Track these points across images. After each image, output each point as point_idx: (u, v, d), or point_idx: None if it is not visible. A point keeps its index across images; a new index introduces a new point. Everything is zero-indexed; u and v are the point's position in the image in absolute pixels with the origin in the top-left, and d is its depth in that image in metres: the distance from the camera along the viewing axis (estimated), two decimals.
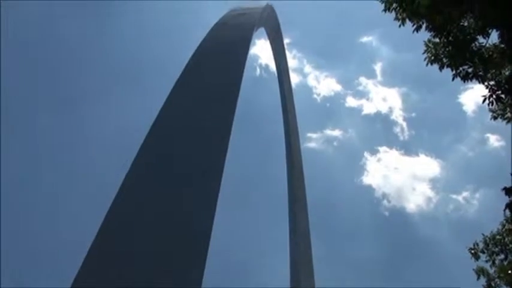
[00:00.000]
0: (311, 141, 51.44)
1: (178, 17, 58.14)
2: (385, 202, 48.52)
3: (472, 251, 13.13)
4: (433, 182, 50.75)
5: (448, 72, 11.63)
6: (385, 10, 11.68)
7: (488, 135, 52.58)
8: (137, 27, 53.08)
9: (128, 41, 51.85)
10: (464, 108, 59.25)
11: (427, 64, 11.78)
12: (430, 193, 49.71)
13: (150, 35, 53.27)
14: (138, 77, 51.62)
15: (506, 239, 13.00)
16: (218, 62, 14.89)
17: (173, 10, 57.52)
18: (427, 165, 52.07)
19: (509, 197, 8.34)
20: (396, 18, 11.61)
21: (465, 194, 49.81)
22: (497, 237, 13.08)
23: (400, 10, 11.39)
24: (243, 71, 14.16)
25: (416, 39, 11.65)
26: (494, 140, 54.63)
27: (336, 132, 56.66)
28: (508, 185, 8.48)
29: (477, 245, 13.20)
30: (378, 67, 60.56)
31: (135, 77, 51.42)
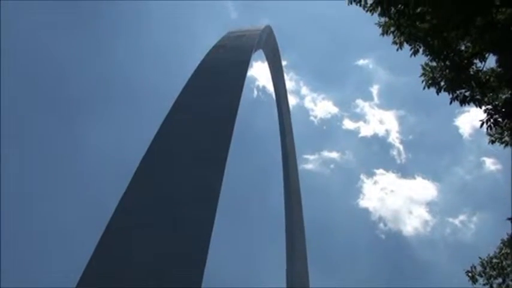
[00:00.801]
0: (308, 162, 51.40)
1: (177, 39, 58.60)
2: (381, 225, 48.22)
3: (470, 274, 13.04)
4: (430, 205, 50.62)
5: (444, 95, 11.64)
6: (382, 34, 11.73)
7: (484, 158, 52.70)
8: (135, 48, 53.48)
9: (126, 62, 52.23)
10: (461, 131, 59.47)
11: (424, 87, 11.78)
12: (427, 216, 49.51)
13: (148, 56, 53.64)
14: (137, 98, 51.78)
15: (504, 263, 12.91)
16: (216, 83, 14.93)
17: (172, 31, 58.04)
18: (424, 188, 52.00)
19: None
20: (394, 42, 11.66)
21: (462, 217, 49.65)
22: (495, 260, 13.01)
23: (398, 34, 11.44)
24: (241, 93, 14.20)
25: (412, 62, 11.70)
26: (490, 164, 54.73)
27: (334, 154, 56.70)
28: (505, 209, 8.45)
29: (474, 268, 13.12)
30: (374, 90, 60.99)
31: (133, 98, 51.57)
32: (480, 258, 13.32)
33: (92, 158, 43.69)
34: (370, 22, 12.00)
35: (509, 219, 8.50)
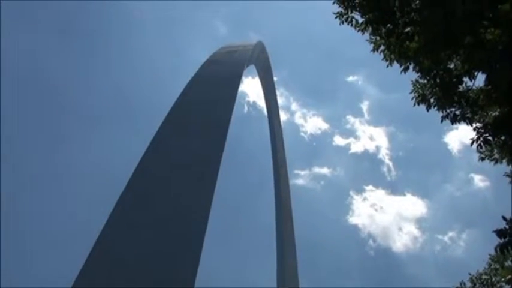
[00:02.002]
0: (299, 177, 51.40)
1: (169, 54, 58.80)
2: (370, 242, 48.19)
3: None
4: (420, 222, 50.70)
5: (433, 111, 11.79)
6: (373, 51, 11.89)
7: (473, 175, 53.06)
8: (126, 64, 53.59)
9: (117, 78, 52.25)
10: (450, 148, 59.93)
11: (414, 104, 11.92)
12: (416, 233, 49.54)
13: (137, 71, 53.76)
14: (127, 114, 51.76)
15: (493, 279, 13.00)
16: (208, 98, 14.97)
17: (161, 47, 58.25)
18: (414, 205, 52.13)
19: (500, 239, 8.36)
20: (384, 59, 11.81)
21: (451, 234, 49.79)
22: (484, 276, 13.11)
23: (388, 52, 11.60)
24: (233, 107, 14.24)
25: (402, 79, 11.85)
26: (478, 180, 55.08)
27: (324, 170, 56.73)
28: (494, 226, 8.55)
29: (464, 284, 13.19)
30: (364, 106, 61.38)
31: (123, 114, 51.56)
32: (470, 274, 13.43)
33: (83, 171, 43.44)
34: (358, 40, 12.19)
35: (495, 231, 8.57)
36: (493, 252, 12.41)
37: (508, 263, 12.02)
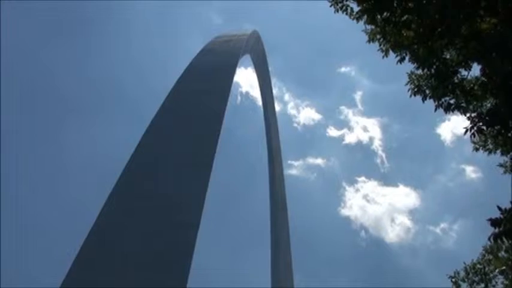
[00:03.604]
0: (292, 168, 51.41)
1: (160, 44, 58.47)
2: (363, 233, 48.39)
3: (453, 280, 13.19)
4: (412, 213, 50.95)
5: (426, 103, 11.78)
6: (369, 41, 11.83)
7: (465, 166, 53.31)
8: (119, 55, 53.26)
9: (109, 69, 51.95)
10: (442, 139, 60.09)
11: (410, 95, 11.90)
12: (409, 224, 49.80)
13: (132, 62, 53.46)
14: (121, 103, 51.52)
15: (486, 269, 13.08)
16: (203, 87, 14.87)
17: (155, 37, 57.90)
18: (406, 196, 52.33)
19: (494, 228, 8.36)
20: (380, 49, 11.75)
21: (443, 225, 50.06)
22: (478, 266, 13.18)
23: (384, 42, 11.54)
24: (228, 97, 14.16)
25: (395, 70, 11.82)
26: (470, 172, 55.36)
27: (318, 161, 56.78)
28: (486, 217, 8.55)
29: (458, 273, 13.27)
30: (358, 96, 61.34)
31: (117, 103, 51.32)
32: (464, 263, 13.49)
33: (76, 161, 43.31)
34: (351, 31, 12.14)
35: (489, 220, 8.57)
36: (484, 242, 12.52)
37: (501, 254, 12.07)
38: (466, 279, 13.21)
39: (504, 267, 11.74)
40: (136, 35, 55.54)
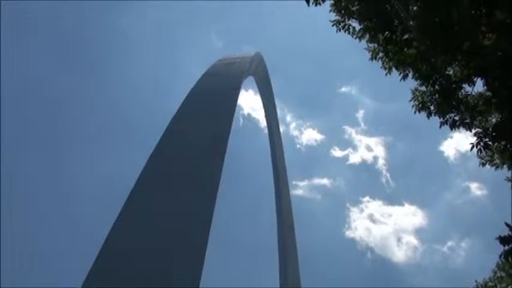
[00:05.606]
0: (297, 188, 51.20)
1: (161, 69, 58.94)
2: (368, 254, 47.87)
3: None
4: (419, 232, 50.43)
5: (429, 120, 11.74)
6: (371, 59, 11.85)
7: (469, 183, 52.96)
8: (122, 80, 53.72)
9: (113, 94, 52.35)
10: (445, 156, 59.79)
11: (415, 112, 11.87)
12: (416, 243, 49.24)
13: (133, 87, 53.87)
14: (125, 128, 51.79)
15: (498, 286, 12.91)
16: (207, 111, 14.91)
17: (155, 61, 58.42)
18: (412, 215, 51.87)
19: (504, 246, 8.24)
20: (383, 67, 11.76)
21: (450, 243, 49.49)
22: (490, 284, 13.01)
23: (387, 59, 11.56)
24: (232, 120, 14.18)
25: (396, 89, 11.84)
26: (475, 188, 54.96)
27: (324, 181, 56.53)
28: (492, 234, 8.45)
29: None
30: (360, 115, 61.33)
31: (122, 128, 51.58)
32: (476, 281, 13.34)
33: (83, 185, 43.42)
34: (350, 50, 12.21)
35: (498, 238, 8.46)
36: (492, 260, 12.37)
37: None
38: None
39: None
40: (138, 60, 56.07)
